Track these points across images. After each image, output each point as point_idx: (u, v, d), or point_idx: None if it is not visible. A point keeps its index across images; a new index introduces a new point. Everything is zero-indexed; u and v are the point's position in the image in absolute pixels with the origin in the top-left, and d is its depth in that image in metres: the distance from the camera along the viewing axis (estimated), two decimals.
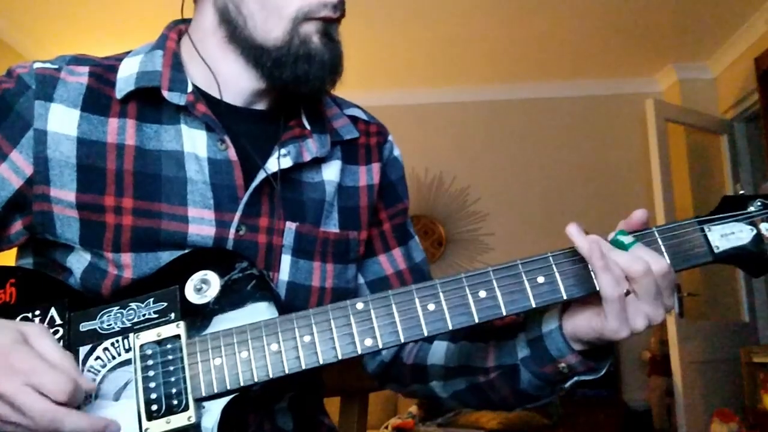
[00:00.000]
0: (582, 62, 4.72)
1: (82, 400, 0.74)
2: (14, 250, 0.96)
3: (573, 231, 0.79)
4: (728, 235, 0.82)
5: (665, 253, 0.81)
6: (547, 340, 0.85)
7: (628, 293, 0.77)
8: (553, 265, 0.81)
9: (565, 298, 0.80)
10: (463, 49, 4.46)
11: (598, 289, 0.78)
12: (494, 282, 0.80)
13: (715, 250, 0.81)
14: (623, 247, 0.79)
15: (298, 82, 0.92)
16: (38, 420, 0.69)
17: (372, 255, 1.06)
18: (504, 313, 0.80)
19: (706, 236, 0.82)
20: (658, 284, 0.77)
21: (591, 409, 4.45)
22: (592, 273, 0.78)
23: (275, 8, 0.90)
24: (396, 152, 1.11)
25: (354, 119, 1.07)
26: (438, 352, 1.00)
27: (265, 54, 0.91)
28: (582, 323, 0.81)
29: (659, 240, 0.81)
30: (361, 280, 1.06)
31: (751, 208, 0.83)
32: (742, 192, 0.85)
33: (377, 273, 1.06)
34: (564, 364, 0.84)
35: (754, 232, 0.82)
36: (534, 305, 0.80)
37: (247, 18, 0.91)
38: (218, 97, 0.95)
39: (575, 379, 0.86)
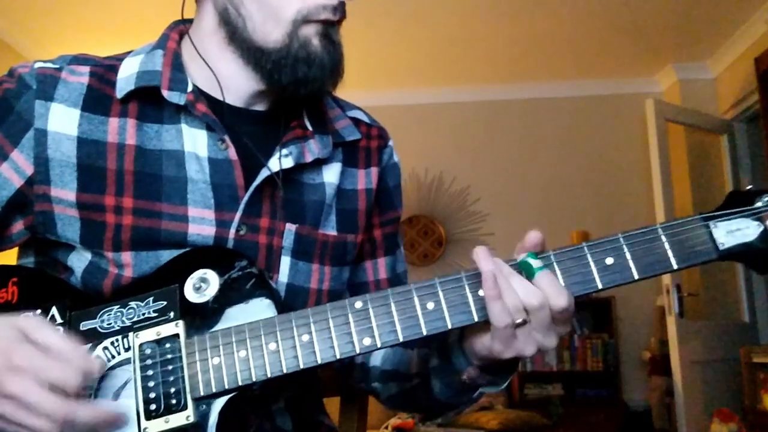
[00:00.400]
0: (582, 62, 4.72)
1: (96, 381, 0.74)
2: (15, 249, 0.96)
3: (479, 254, 0.78)
4: (734, 232, 0.79)
5: (669, 251, 0.79)
6: (452, 353, 0.87)
7: (523, 323, 0.76)
8: (555, 264, 0.80)
9: (449, 327, 0.80)
10: (463, 49, 4.46)
11: (600, 286, 0.78)
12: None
13: (720, 247, 0.79)
14: (530, 270, 0.77)
15: (298, 85, 0.91)
16: (52, 417, 0.69)
17: (359, 259, 1.06)
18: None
19: (711, 233, 0.79)
20: (554, 317, 0.77)
21: (591, 409, 4.45)
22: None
23: (274, 10, 0.90)
24: (395, 158, 1.11)
25: (356, 121, 1.06)
26: (378, 355, 1.03)
27: (264, 56, 0.91)
28: (476, 339, 0.82)
29: (663, 237, 0.80)
30: None
31: (759, 204, 0.80)
32: (749, 187, 0.82)
33: (359, 278, 1.06)
34: (465, 377, 0.86)
35: (762, 228, 0.79)
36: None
37: (246, 19, 0.91)
38: (219, 97, 0.95)
39: (479, 390, 0.88)
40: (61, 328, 0.82)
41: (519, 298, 0.76)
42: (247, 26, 0.91)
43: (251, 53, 0.92)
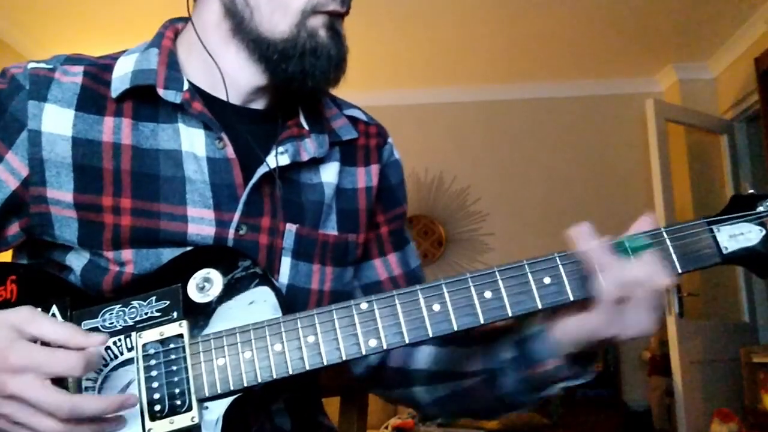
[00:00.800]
0: (582, 62, 4.72)
1: (100, 360, 0.73)
2: (10, 250, 0.95)
3: (580, 231, 0.79)
4: (737, 236, 0.80)
5: (673, 255, 0.80)
6: (534, 342, 0.85)
7: (625, 300, 0.76)
8: (560, 266, 0.80)
9: (571, 299, 0.79)
10: (463, 49, 4.45)
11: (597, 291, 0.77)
12: (500, 282, 0.79)
13: (724, 251, 0.80)
14: (636, 244, 0.78)
15: (305, 76, 0.91)
16: (57, 413, 0.68)
17: (367, 259, 1.05)
18: (510, 314, 0.79)
19: (714, 237, 0.80)
20: (657, 296, 0.76)
21: (591, 409, 4.45)
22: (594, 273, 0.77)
23: (283, 1, 0.90)
24: (396, 155, 1.10)
25: (353, 120, 1.06)
26: (423, 356, 0.99)
27: (271, 47, 0.91)
28: (572, 323, 0.80)
29: (668, 240, 0.80)
30: (355, 283, 1.05)
31: (761, 208, 0.81)
32: (751, 191, 0.83)
33: (371, 277, 1.05)
34: (548, 368, 0.84)
35: (764, 232, 0.80)
36: (540, 306, 0.79)
37: (254, 10, 0.91)
38: (216, 94, 0.94)
39: (560, 385, 0.86)
40: (57, 315, 0.81)
41: (624, 272, 0.76)
42: (254, 17, 0.91)
43: (257, 44, 0.91)
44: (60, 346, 0.72)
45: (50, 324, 0.73)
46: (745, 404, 3.66)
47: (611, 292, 0.76)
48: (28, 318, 0.72)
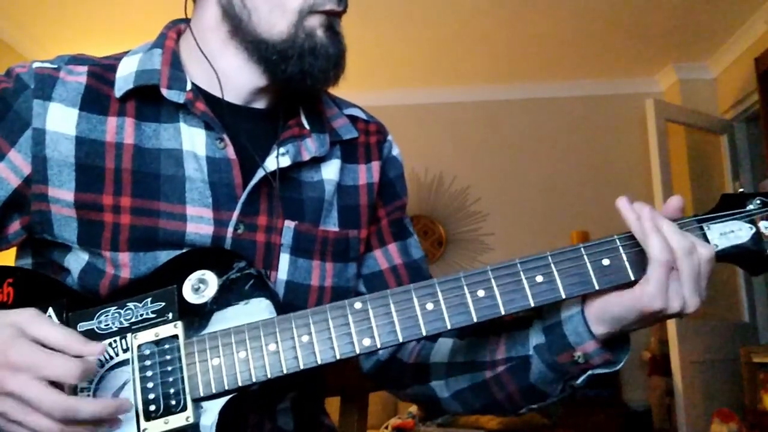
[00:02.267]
0: (582, 62, 4.72)
1: (95, 370, 0.74)
2: (13, 251, 0.96)
3: (622, 203, 0.81)
4: (727, 234, 0.81)
5: None
6: (566, 326, 0.83)
7: (673, 270, 0.76)
8: (552, 264, 0.80)
9: (563, 297, 0.79)
10: (463, 49, 4.46)
11: (598, 287, 0.78)
12: (493, 281, 0.80)
13: (714, 249, 0.80)
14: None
15: (304, 76, 0.91)
16: (53, 413, 0.69)
17: (368, 250, 1.05)
18: (502, 312, 0.79)
19: (705, 235, 0.81)
20: (701, 268, 0.77)
21: (591, 409, 4.44)
22: (642, 237, 0.78)
23: (280, 1, 0.90)
24: (395, 151, 1.11)
25: (353, 119, 1.06)
26: (442, 349, 0.97)
27: (269, 48, 0.91)
28: (613, 299, 0.80)
29: None
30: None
31: (751, 206, 0.82)
32: (741, 190, 0.84)
33: (372, 267, 1.05)
34: (580, 353, 0.82)
35: (754, 230, 0.81)
36: (532, 305, 0.79)
37: (252, 11, 0.91)
38: (217, 95, 0.95)
39: (589, 373, 0.84)
40: (53, 316, 0.82)
41: (669, 239, 0.76)
42: (252, 18, 0.91)
43: (256, 45, 0.92)
44: (59, 350, 0.72)
45: (52, 328, 0.73)
46: (745, 404, 3.66)
47: (659, 251, 0.76)
48: (32, 319, 0.73)
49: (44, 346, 0.72)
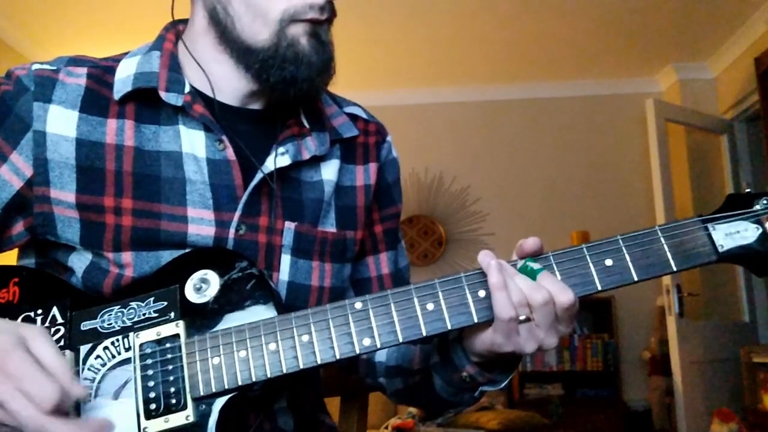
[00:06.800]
0: (582, 62, 4.72)
1: (71, 406, 0.73)
2: (15, 250, 0.96)
3: (481, 253, 0.80)
4: (733, 234, 0.80)
5: (668, 253, 0.80)
6: (453, 350, 0.88)
7: (527, 320, 0.78)
8: (554, 264, 0.81)
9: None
10: (462, 49, 4.46)
11: (600, 287, 0.79)
12: None
13: (720, 249, 0.79)
14: (532, 273, 0.79)
15: (286, 85, 0.91)
16: (26, 426, 0.69)
17: (361, 255, 1.06)
18: None
19: (710, 235, 0.80)
20: (558, 315, 0.78)
21: (591, 409, 4.45)
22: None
23: (261, 10, 0.89)
24: (394, 153, 1.11)
25: (353, 117, 1.06)
26: (382, 350, 1.03)
27: (253, 56, 0.91)
28: (475, 336, 0.82)
29: (662, 239, 0.80)
30: None
31: (757, 207, 0.80)
32: (747, 190, 0.83)
33: (361, 273, 1.07)
34: (466, 374, 0.87)
35: (760, 230, 0.79)
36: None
37: (235, 20, 0.91)
38: (217, 96, 0.95)
39: (479, 389, 0.89)
40: (62, 340, 0.82)
41: (523, 294, 0.77)
42: (236, 26, 0.91)
43: (241, 53, 0.92)
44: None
45: (51, 351, 0.72)
46: (745, 404, 3.66)
47: (505, 312, 0.77)
48: (36, 336, 0.73)
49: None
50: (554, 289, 0.77)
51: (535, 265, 0.79)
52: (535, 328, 0.78)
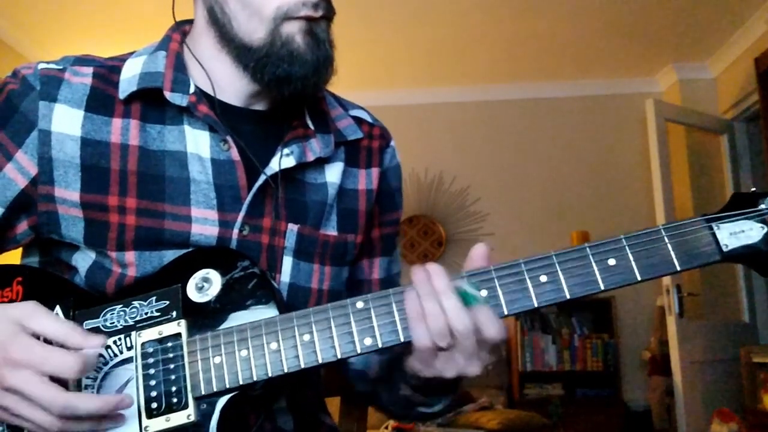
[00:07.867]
0: (582, 62, 4.72)
1: (96, 362, 0.74)
2: (20, 249, 0.96)
3: (414, 271, 0.78)
4: (738, 234, 0.79)
5: (672, 252, 0.79)
6: (394, 368, 0.88)
7: (446, 348, 0.75)
8: (556, 264, 0.79)
9: (568, 297, 0.78)
10: (462, 49, 4.46)
11: (603, 287, 0.78)
12: (495, 281, 0.79)
13: (724, 249, 0.78)
14: (467, 300, 0.75)
15: (280, 83, 0.90)
16: (51, 409, 0.70)
17: (357, 257, 1.06)
18: (505, 313, 0.79)
19: (714, 234, 0.79)
20: (480, 345, 0.76)
21: (591, 409, 4.45)
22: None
23: (255, 8, 0.89)
24: (397, 159, 1.11)
25: (358, 120, 1.06)
26: None
27: (249, 54, 0.91)
28: (407, 359, 0.82)
29: (666, 239, 0.79)
30: None
31: (763, 206, 0.79)
32: (753, 189, 0.81)
33: (354, 275, 1.07)
34: (401, 393, 0.87)
35: (765, 230, 0.78)
36: (536, 305, 0.79)
37: (232, 19, 0.91)
38: (220, 97, 0.95)
39: (417, 409, 0.90)
40: (60, 314, 0.83)
41: (446, 321, 0.74)
42: (233, 25, 0.91)
43: (239, 52, 0.92)
44: (60, 344, 0.73)
45: (51, 321, 0.74)
46: (745, 404, 3.66)
47: (421, 341, 0.76)
48: (30, 313, 0.74)
49: (45, 339, 0.73)
50: (482, 320, 0.75)
51: (473, 292, 0.76)
52: (456, 354, 0.76)
